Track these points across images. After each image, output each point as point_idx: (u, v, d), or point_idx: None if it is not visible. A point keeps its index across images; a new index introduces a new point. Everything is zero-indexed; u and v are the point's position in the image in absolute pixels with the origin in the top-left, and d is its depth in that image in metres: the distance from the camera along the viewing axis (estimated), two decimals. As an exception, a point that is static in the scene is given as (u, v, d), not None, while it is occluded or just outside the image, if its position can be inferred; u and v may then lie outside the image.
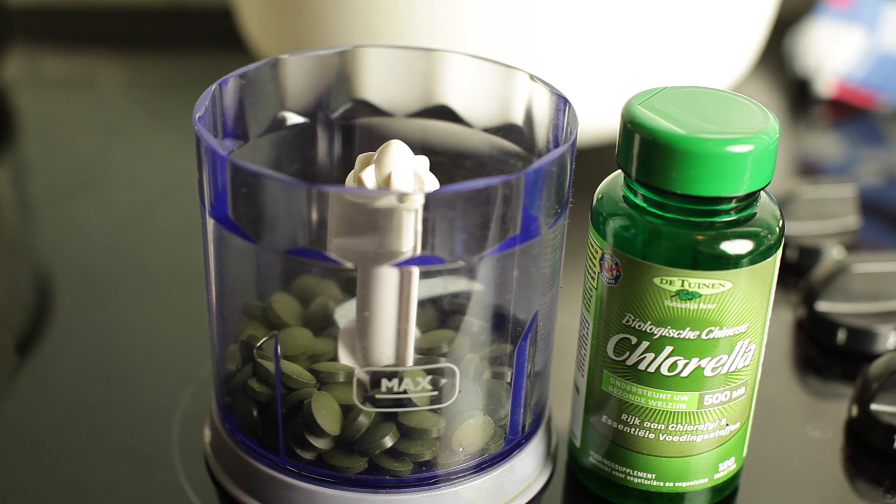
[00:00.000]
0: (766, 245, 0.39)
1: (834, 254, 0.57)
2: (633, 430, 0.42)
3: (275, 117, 0.45)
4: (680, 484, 0.42)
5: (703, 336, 0.40)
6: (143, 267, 0.58)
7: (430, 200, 0.37)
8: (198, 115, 0.40)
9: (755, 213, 0.40)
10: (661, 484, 0.42)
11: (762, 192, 0.40)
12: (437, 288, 0.44)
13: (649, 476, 0.42)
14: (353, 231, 0.38)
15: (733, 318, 0.40)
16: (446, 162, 0.45)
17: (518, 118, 0.44)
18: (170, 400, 0.47)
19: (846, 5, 0.78)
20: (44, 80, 0.79)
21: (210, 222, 0.40)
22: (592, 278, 0.41)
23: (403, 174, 0.39)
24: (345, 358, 0.41)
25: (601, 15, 0.58)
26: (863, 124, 0.74)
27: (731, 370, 0.41)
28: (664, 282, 0.39)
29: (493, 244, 0.38)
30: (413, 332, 0.41)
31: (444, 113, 0.45)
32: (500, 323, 0.42)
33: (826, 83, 0.75)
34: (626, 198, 0.40)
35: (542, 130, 0.43)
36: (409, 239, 0.38)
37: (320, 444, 0.40)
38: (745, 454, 0.44)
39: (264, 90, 0.44)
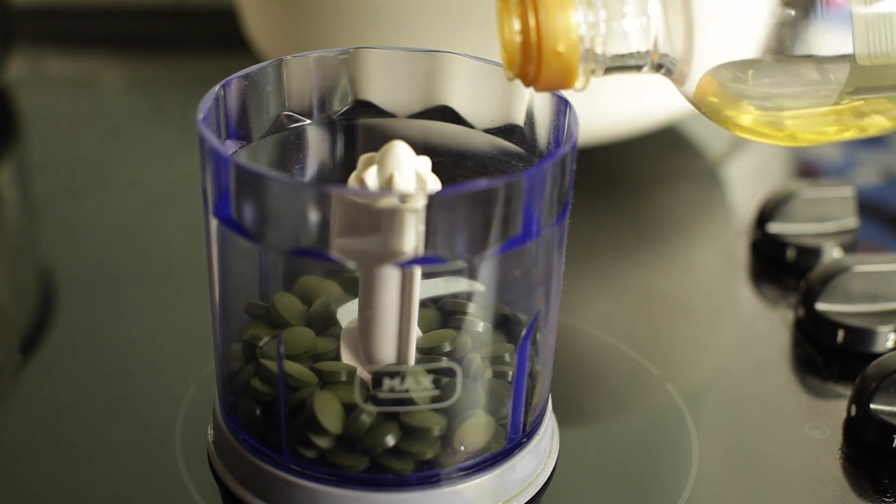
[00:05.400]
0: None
1: (833, 254, 0.57)
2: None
3: (277, 118, 0.45)
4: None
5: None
6: (145, 267, 0.58)
7: (432, 201, 0.37)
8: (201, 116, 0.40)
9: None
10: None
11: None
12: (438, 288, 0.44)
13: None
14: (355, 231, 0.38)
15: None
16: (448, 162, 0.45)
17: (519, 119, 0.44)
18: (173, 399, 0.48)
19: (846, 7, 0.77)
20: (47, 80, 0.79)
21: (213, 222, 0.41)
22: None
23: (405, 175, 0.39)
24: (347, 357, 0.42)
25: (602, 16, 0.58)
26: (862, 125, 0.74)
27: None
28: None
29: (495, 244, 0.38)
30: (415, 331, 0.41)
31: (446, 114, 0.45)
32: (502, 322, 0.42)
33: (826, 84, 0.75)
34: None
35: (543, 131, 0.43)
36: (411, 239, 0.38)
37: (323, 442, 0.40)
38: None
39: (267, 91, 0.44)
